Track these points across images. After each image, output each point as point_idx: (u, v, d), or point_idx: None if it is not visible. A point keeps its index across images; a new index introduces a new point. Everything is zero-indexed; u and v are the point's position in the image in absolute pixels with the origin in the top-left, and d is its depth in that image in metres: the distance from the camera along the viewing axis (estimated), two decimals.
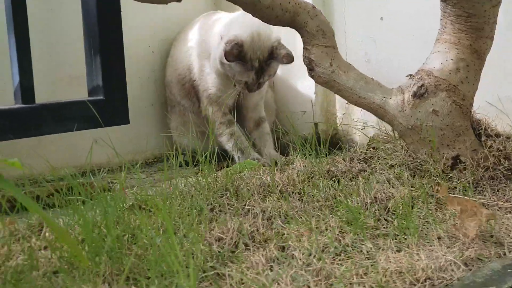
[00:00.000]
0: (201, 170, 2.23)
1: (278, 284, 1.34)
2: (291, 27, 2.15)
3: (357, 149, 2.69)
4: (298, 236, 1.64)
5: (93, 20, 2.36)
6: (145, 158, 2.94)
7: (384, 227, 1.69)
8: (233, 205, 1.93)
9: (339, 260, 1.48)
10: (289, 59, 2.55)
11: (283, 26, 2.14)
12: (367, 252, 1.52)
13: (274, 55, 2.57)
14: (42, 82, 2.45)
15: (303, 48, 2.14)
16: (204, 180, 2.13)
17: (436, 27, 2.20)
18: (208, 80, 2.74)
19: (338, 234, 1.64)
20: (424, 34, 2.53)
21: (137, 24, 2.86)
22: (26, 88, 2.19)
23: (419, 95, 2.02)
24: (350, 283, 1.34)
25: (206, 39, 2.78)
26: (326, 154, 2.42)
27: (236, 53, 2.54)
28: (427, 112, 2.01)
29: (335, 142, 2.88)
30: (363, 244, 1.56)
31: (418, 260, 1.42)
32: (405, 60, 2.63)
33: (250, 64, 2.57)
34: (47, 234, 1.68)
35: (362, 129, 2.81)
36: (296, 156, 2.39)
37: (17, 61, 2.18)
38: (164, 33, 3.08)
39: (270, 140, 2.78)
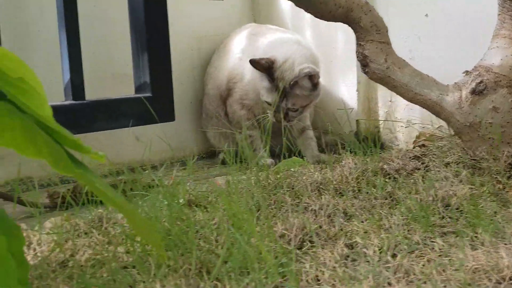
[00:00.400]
0: (250, 168, 2.20)
1: (358, 280, 1.31)
2: (344, 23, 2.12)
3: (403, 147, 2.66)
4: (365, 233, 1.61)
5: (140, 17, 2.35)
6: (184, 156, 2.91)
7: (450, 225, 1.66)
8: (289, 202, 1.91)
9: (414, 257, 1.45)
10: (307, 72, 2.57)
11: (336, 21, 2.11)
12: (439, 249, 1.49)
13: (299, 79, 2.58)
14: (86, 79, 2.43)
15: (357, 44, 2.11)
16: (256, 177, 2.10)
17: (485, 24, 2.17)
18: (246, 88, 2.77)
19: (406, 231, 1.61)
20: (472, 31, 2.50)
21: (176, 21, 2.84)
22: (76, 84, 2.18)
23: (478, 92, 1.99)
24: (430, 280, 1.30)
25: (252, 51, 2.79)
26: (370, 151, 2.39)
27: (265, 65, 2.56)
28: (486, 109, 1.98)
29: (377, 140, 2.84)
30: (433, 242, 1.53)
31: (499, 257, 1.38)
32: (451, 58, 2.59)
33: (275, 83, 2.57)
34: (109, 229, 1.66)
35: (406, 127, 2.77)
36: (345, 154, 2.36)
37: (68, 57, 2.17)
38: (203, 30, 3.07)
39: (314, 143, 2.79)
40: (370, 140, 2.63)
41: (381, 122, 2.87)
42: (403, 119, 2.80)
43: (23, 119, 1.05)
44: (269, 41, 2.74)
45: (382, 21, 2.10)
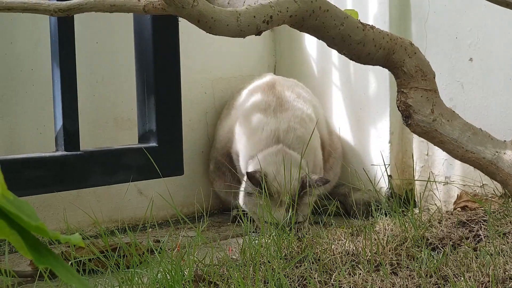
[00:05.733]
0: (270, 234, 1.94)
1: None
2: (384, 67, 1.88)
3: (439, 209, 2.41)
4: None
5: (149, 54, 2.14)
6: (193, 212, 2.66)
7: None
8: (316, 278, 1.63)
9: None
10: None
11: (374, 65, 1.87)
12: None
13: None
14: (84, 125, 2.24)
15: (398, 91, 1.85)
16: (277, 245, 1.82)
17: None
18: None
19: None
20: None
21: (189, 59, 2.65)
22: (70, 133, 1.95)
23: None
24: None
25: None
26: (404, 212, 2.16)
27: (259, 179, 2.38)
28: None
29: (410, 199, 2.62)
30: None
31: None
32: (500, 107, 2.42)
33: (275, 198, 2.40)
34: None
35: (444, 184, 2.53)
36: (379, 217, 2.10)
37: (61, 101, 1.93)
38: (218, 73, 2.88)
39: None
40: (403, 199, 2.41)
41: (416, 177, 2.64)
42: (441, 175, 2.60)
43: None
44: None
45: (429, 66, 1.85)
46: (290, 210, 2.28)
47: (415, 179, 2.67)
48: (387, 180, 2.63)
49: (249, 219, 2.28)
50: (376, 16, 2.64)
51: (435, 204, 2.54)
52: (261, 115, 2.59)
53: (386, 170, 2.55)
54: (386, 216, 2.13)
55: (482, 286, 1.55)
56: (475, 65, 2.47)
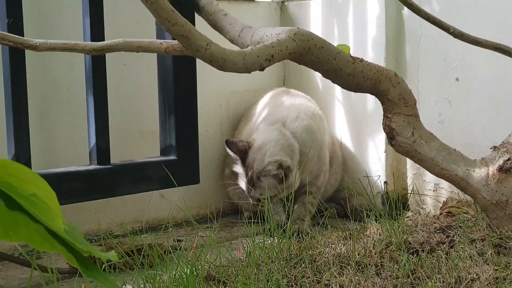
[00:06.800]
0: (273, 236, 2.18)
1: None
2: (371, 94, 2.12)
3: (429, 212, 2.64)
4: None
5: (169, 79, 2.36)
6: (210, 213, 2.90)
7: None
8: (310, 277, 1.88)
9: None
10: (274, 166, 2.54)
11: (363, 92, 2.11)
12: None
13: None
14: (113, 136, 2.44)
15: (384, 116, 2.10)
16: (278, 247, 2.08)
17: None
18: None
19: None
20: (503, 97, 2.49)
21: (206, 76, 2.84)
22: (102, 149, 2.19)
23: (505, 169, 1.96)
24: None
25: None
26: (396, 216, 2.37)
27: (242, 148, 2.56)
28: None
29: (404, 203, 2.83)
30: None
31: None
32: (482, 123, 2.58)
33: (246, 169, 2.59)
34: None
35: (433, 190, 2.73)
36: (370, 223, 2.33)
37: (95, 122, 2.18)
38: (232, 87, 3.07)
39: (303, 208, 2.72)
40: (396, 203, 2.61)
41: (409, 183, 2.83)
42: (431, 182, 2.76)
43: (36, 223, 1.06)
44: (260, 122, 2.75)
45: (411, 94, 2.09)
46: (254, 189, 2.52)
47: (408, 185, 2.83)
48: (382, 185, 2.83)
49: (260, 219, 2.50)
50: (374, 39, 2.81)
51: (424, 208, 2.78)
52: (274, 109, 2.77)
53: (376, 178, 2.77)
54: (376, 221, 2.31)
55: (449, 286, 1.79)
56: (461, 85, 2.62)
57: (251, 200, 2.57)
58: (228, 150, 2.57)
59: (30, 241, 1.06)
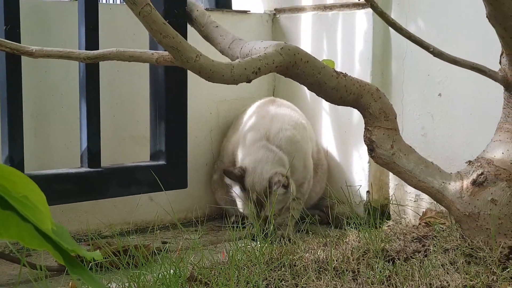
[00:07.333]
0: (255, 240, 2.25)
1: None
2: (354, 107, 2.19)
3: (409, 222, 2.72)
4: None
5: (161, 87, 2.44)
6: (197, 216, 2.98)
7: None
8: (288, 280, 1.96)
9: None
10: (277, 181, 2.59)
11: (346, 106, 2.18)
12: None
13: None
14: (106, 141, 2.52)
15: (365, 128, 2.18)
16: (259, 251, 2.15)
17: (494, 109, 2.22)
18: None
19: None
20: (482, 114, 2.56)
21: (197, 87, 2.89)
22: (93, 153, 2.27)
23: (478, 183, 2.04)
24: None
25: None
26: (377, 225, 2.44)
27: (238, 174, 2.64)
28: (485, 200, 2.03)
29: (385, 212, 2.91)
30: None
31: None
32: (463, 137, 2.65)
33: (247, 192, 2.66)
34: None
35: (414, 201, 2.81)
36: (350, 230, 2.40)
37: (87, 127, 2.25)
38: (222, 95, 3.13)
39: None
40: (378, 212, 2.68)
41: (391, 194, 2.91)
42: (412, 193, 2.83)
43: (26, 223, 1.13)
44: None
45: (391, 108, 2.16)
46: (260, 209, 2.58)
47: (390, 195, 2.91)
48: (365, 195, 2.91)
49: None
50: (362, 53, 2.88)
51: (404, 218, 2.86)
52: (259, 120, 2.84)
53: (358, 187, 2.84)
54: (356, 229, 2.38)
55: None
56: (443, 100, 2.69)
57: (257, 220, 2.56)
58: (227, 179, 2.66)
59: (20, 239, 1.14)
